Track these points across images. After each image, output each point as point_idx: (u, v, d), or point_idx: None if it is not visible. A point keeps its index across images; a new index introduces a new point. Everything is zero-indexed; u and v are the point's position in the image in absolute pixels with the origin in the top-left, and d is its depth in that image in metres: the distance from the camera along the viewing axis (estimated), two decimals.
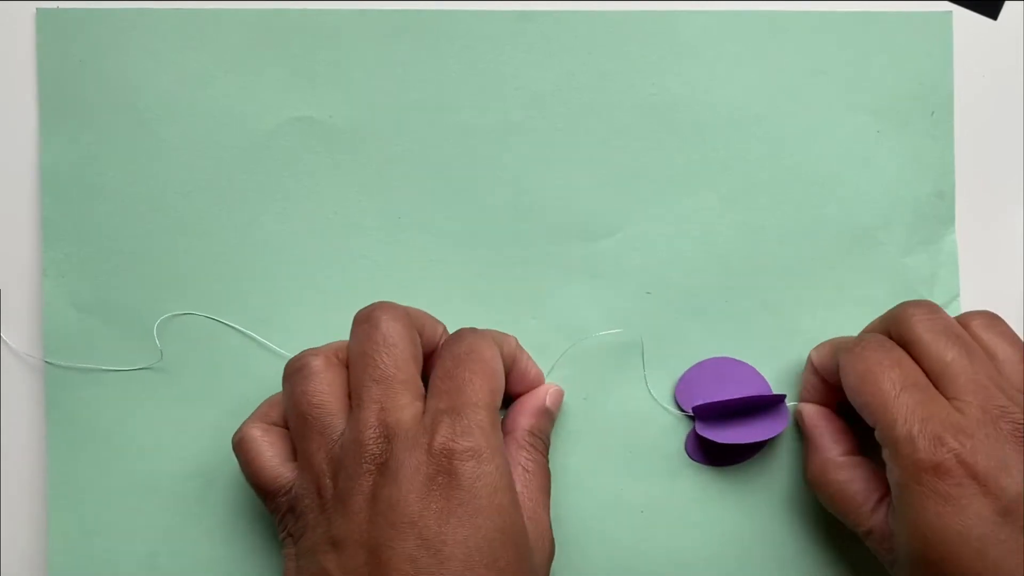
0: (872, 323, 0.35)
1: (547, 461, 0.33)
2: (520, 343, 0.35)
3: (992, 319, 0.33)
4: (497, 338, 0.33)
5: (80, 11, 0.36)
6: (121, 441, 0.36)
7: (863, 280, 0.37)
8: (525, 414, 0.34)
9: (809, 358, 0.35)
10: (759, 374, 0.37)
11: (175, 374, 0.36)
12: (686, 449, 0.36)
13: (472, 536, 0.27)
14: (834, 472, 0.33)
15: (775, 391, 0.36)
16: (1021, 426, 0.28)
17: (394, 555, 0.27)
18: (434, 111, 0.37)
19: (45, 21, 0.36)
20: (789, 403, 0.36)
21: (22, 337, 0.37)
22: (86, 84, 0.36)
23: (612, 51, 0.37)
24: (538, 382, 0.35)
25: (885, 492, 0.31)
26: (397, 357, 0.30)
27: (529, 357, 0.35)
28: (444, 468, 0.28)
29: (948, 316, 0.32)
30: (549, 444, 0.34)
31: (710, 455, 0.36)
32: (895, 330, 0.32)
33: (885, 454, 0.30)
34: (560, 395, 0.35)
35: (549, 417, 0.34)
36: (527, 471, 0.32)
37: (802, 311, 0.37)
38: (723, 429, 0.35)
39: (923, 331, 0.31)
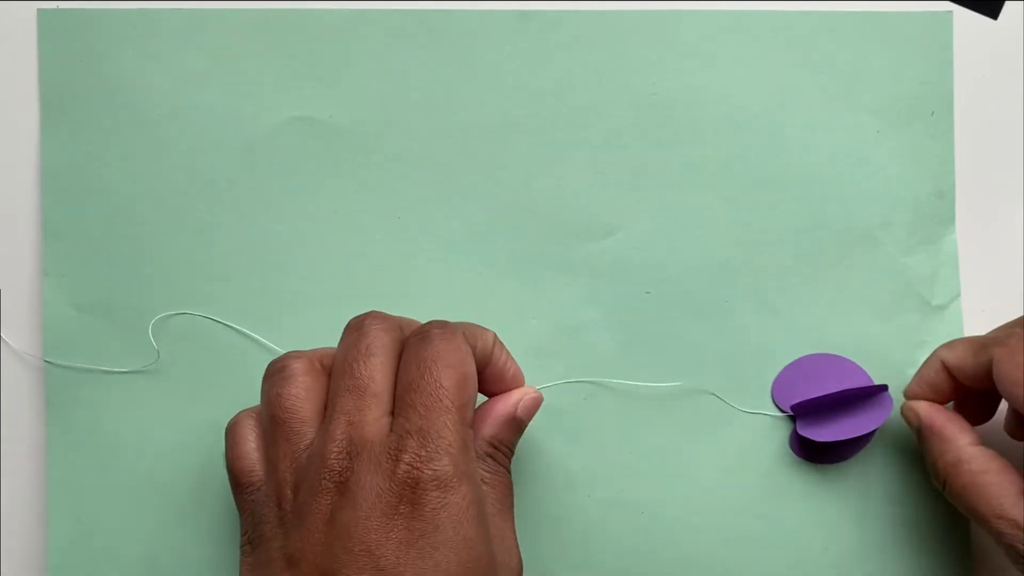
0: (1017, 320, 0.33)
1: (509, 471, 0.31)
2: (499, 338, 0.32)
3: None
4: (470, 334, 0.30)
5: (81, 11, 0.36)
6: (121, 441, 0.36)
7: (863, 280, 0.37)
8: (489, 421, 0.31)
9: (937, 357, 0.34)
10: (859, 367, 0.36)
11: (175, 374, 0.36)
12: (791, 448, 0.36)
13: (432, 570, 0.26)
14: (968, 462, 0.31)
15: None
16: None
17: None
18: (434, 111, 0.37)
19: (46, 21, 0.36)
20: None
21: (22, 336, 0.37)
22: (87, 84, 0.36)
23: (612, 51, 0.37)
24: (516, 383, 0.32)
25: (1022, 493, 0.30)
26: (375, 368, 0.28)
27: (508, 355, 0.32)
28: (407, 497, 0.26)
29: None
30: (513, 453, 0.32)
31: (814, 452, 0.36)
32: None
33: None
34: (535, 403, 0.32)
35: (517, 427, 0.31)
36: (486, 484, 0.30)
37: (802, 311, 0.37)
38: (825, 426, 0.35)
39: None
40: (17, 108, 0.37)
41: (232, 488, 0.30)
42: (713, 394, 0.36)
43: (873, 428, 0.35)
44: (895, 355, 0.37)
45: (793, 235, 0.37)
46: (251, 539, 0.29)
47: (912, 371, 0.36)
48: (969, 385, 0.32)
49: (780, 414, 0.36)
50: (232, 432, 0.31)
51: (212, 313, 0.36)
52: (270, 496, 0.28)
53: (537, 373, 0.36)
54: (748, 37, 0.37)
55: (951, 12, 0.37)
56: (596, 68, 0.37)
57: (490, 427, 0.31)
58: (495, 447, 0.31)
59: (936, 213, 0.37)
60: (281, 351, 0.36)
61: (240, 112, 0.36)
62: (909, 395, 0.35)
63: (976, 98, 0.37)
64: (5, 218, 0.37)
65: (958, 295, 0.37)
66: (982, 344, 0.32)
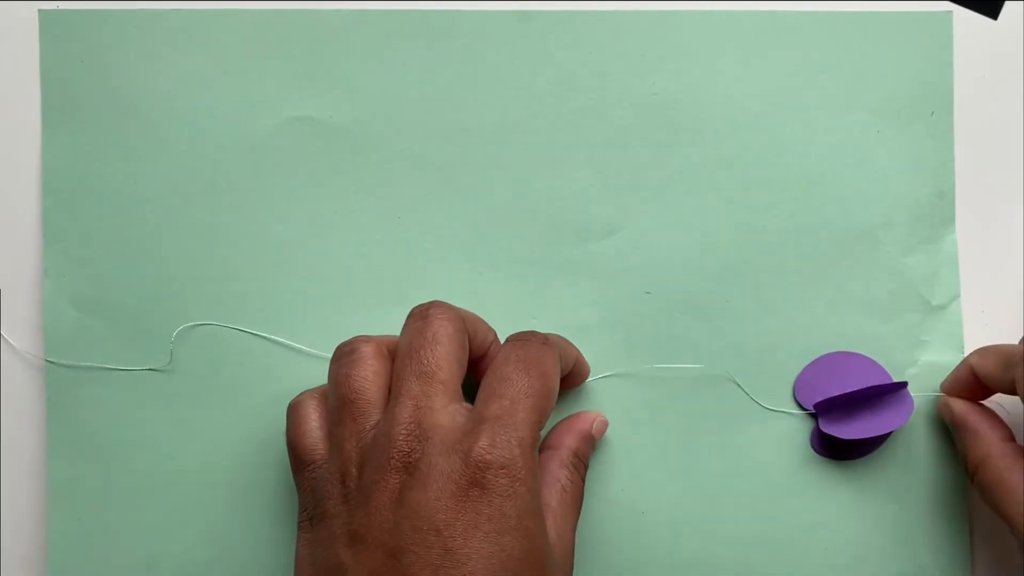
0: None
1: (584, 481, 0.33)
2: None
3: None
4: (562, 348, 0.32)
5: (82, 12, 0.36)
6: (121, 440, 0.36)
7: (863, 280, 0.37)
8: (572, 434, 0.33)
9: (968, 362, 0.34)
10: (877, 364, 0.36)
11: (175, 373, 0.36)
12: (812, 446, 0.36)
13: (497, 555, 0.26)
14: (998, 458, 0.32)
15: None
16: None
17: (416, 561, 0.26)
18: (434, 111, 0.37)
19: (47, 22, 0.36)
20: (914, 392, 0.36)
21: (23, 336, 0.37)
22: (88, 84, 0.36)
23: (612, 51, 0.37)
24: (583, 375, 0.35)
25: None
26: (441, 356, 0.29)
27: (584, 362, 0.35)
28: (478, 480, 0.27)
29: None
30: (587, 467, 0.34)
31: (836, 450, 0.36)
32: None
33: None
34: (604, 427, 0.35)
35: (592, 444, 0.34)
36: (565, 490, 0.31)
37: (802, 311, 0.37)
38: (847, 424, 0.35)
39: None
40: (18, 108, 0.37)
41: (293, 466, 0.31)
42: (734, 381, 0.36)
43: (899, 425, 0.35)
44: (895, 355, 0.37)
45: (793, 235, 0.37)
46: (311, 516, 0.29)
47: (912, 371, 0.36)
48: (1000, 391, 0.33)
49: (801, 411, 0.36)
50: (295, 411, 0.31)
51: (212, 313, 0.36)
52: (333, 474, 0.29)
53: None
54: (748, 37, 0.37)
55: (951, 12, 0.37)
56: (596, 68, 0.37)
57: (574, 439, 0.33)
58: (578, 458, 0.33)
59: (936, 213, 0.37)
60: (282, 341, 0.36)
61: (241, 112, 0.36)
62: (944, 391, 0.35)
63: (976, 98, 0.37)
64: (6, 218, 0.37)
65: (958, 295, 0.37)
66: (1010, 360, 0.32)
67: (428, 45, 0.37)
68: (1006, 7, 0.38)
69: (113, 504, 0.36)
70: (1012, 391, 0.32)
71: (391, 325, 0.36)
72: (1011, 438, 0.33)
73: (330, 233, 0.37)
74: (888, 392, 0.35)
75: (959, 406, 0.34)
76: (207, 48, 0.36)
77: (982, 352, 0.34)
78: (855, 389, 0.35)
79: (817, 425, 0.36)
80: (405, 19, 0.37)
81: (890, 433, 0.36)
